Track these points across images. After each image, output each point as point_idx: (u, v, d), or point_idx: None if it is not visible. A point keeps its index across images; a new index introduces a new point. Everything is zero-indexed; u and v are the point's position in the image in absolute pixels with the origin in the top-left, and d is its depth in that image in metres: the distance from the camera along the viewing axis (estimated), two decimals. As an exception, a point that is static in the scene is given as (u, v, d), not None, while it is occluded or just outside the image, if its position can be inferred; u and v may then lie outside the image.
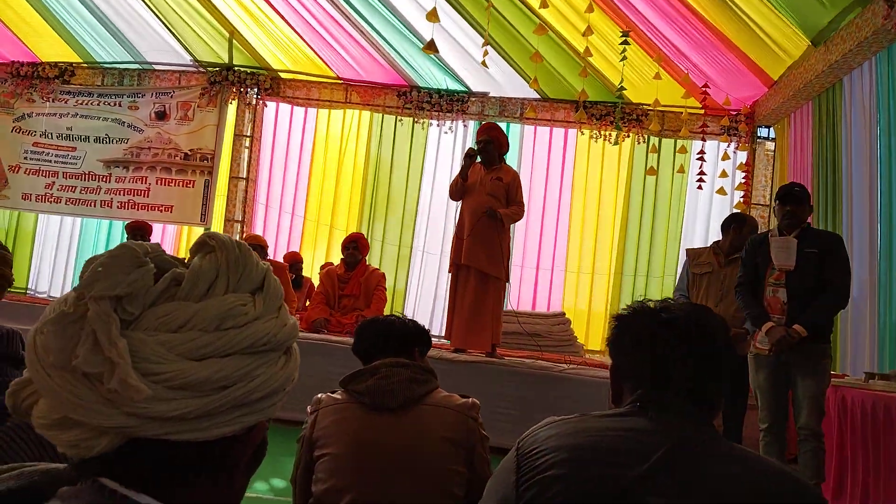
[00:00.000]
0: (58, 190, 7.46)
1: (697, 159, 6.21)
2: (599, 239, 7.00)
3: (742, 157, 6.57)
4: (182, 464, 0.65)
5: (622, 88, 5.70)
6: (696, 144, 6.42)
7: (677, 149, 6.59)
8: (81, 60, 7.55)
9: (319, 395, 2.01)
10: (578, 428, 1.12)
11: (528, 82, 5.95)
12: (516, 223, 5.56)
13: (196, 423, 0.63)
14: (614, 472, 1.02)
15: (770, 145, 6.56)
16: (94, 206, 7.41)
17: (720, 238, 4.62)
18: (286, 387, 0.70)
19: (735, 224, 4.53)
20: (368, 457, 1.80)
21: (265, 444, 0.73)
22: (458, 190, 5.04)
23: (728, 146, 6.53)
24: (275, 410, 0.70)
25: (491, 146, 4.99)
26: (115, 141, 7.44)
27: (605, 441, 1.08)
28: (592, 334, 6.95)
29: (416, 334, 2.14)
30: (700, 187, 6.17)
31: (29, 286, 7.77)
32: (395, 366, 1.94)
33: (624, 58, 5.42)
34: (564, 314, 6.40)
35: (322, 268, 6.52)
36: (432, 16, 4.82)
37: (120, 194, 7.37)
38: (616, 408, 1.22)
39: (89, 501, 0.62)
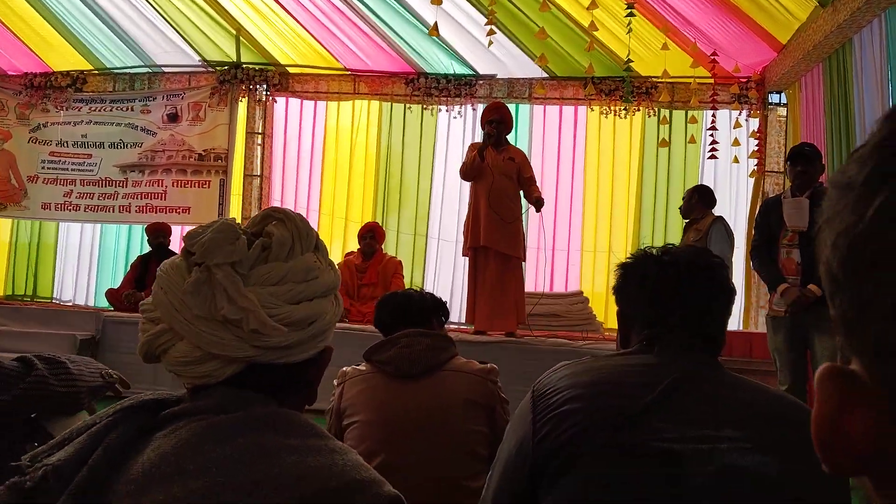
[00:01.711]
0: (76, 197, 7.57)
1: (709, 129, 6.18)
2: (615, 216, 6.98)
3: (754, 124, 6.53)
4: (280, 381, 0.88)
5: (630, 61, 5.68)
6: (708, 114, 6.40)
7: (688, 119, 6.56)
8: (93, 68, 7.64)
9: (345, 369, 2.06)
10: (590, 367, 1.17)
11: (534, 61, 5.95)
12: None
13: (294, 350, 0.86)
14: (623, 403, 1.06)
15: (782, 111, 6.51)
16: (113, 211, 7.51)
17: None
18: (337, 320, 0.94)
19: None
20: (395, 421, 1.85)
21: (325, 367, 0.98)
22: (475, 169, 5.03)
23: (739, 114, 6.49)
24: (331, 339, 0.93)
25: (502, 126, 5.02)
26: (129, 146, 7.54)
27: (615, 376, 1.13)
28: (611, 314, 6.91)
29: (433, 306, 2.19)
30: (713, 156, 6.15)
31: (54, 295, 7.91)
32: (416, 335, 1.98)
33: (630, 30, 5.41)
34: (582, 293, 6.41)
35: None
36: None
37: (137, 198, 7.46)
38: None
39: (218, 397, 0.83)
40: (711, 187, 5.51)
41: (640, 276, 1.27)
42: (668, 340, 1.19)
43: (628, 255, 1.33)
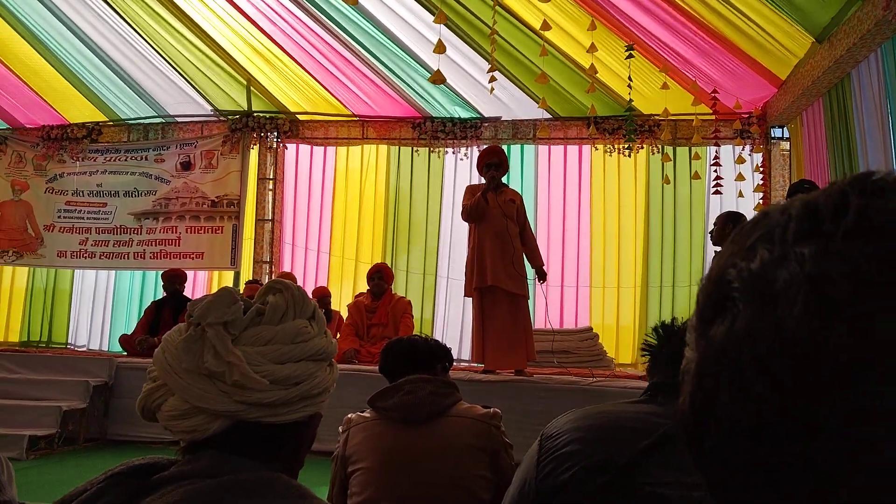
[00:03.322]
0: (91, 245, 7.71)
1: (712, 165, 6.25)
2: (622, 252, 7.03)
3: (758, 158, 6.59)
4: (267, 443, 0.91)
5: (630, 102, 5.79)
6: (711, 150, 6.47)
7: (692, 156, 6.63)
8: (108, 119, 7.85)
9: (350, 415, 2.10)
10: (594, 412, 1.22)
11: (537, 103, 6.07)
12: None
13: (279, 409, 0.90)
14: (620, 447, 1.11)
15: (785, 145, 6.57)
16: (128, 258, 7.64)
17: None
18: (330, 389, 0.97)
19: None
20: (399, 468, 1.88)
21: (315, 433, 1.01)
22: (480, 212, 5.10)
23: (743, 149, 6.55)
24: (324, 406, 0.97)
25: (502, 168, 5.13)
26: (143, 194, 7.69)
27: (616, 422, 1.18)
28: (622, 348, 6.95)
29: (438, 352, 2.23)
30: (717, 192, 6.20)
31: (69, 341, 8.00)
32: (419, 381, 2.02)
33: (630, 79, 5.54)
34: (592, 329, 6.42)
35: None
36: (439, 48, 4.97)
37: (152, 245, 7.59)
38: None
39: (206, 461, 0.87)
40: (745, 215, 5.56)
41: (665, 343, 1.35)
42: (673, 390, 1.24)
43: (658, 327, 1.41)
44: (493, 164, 5.11)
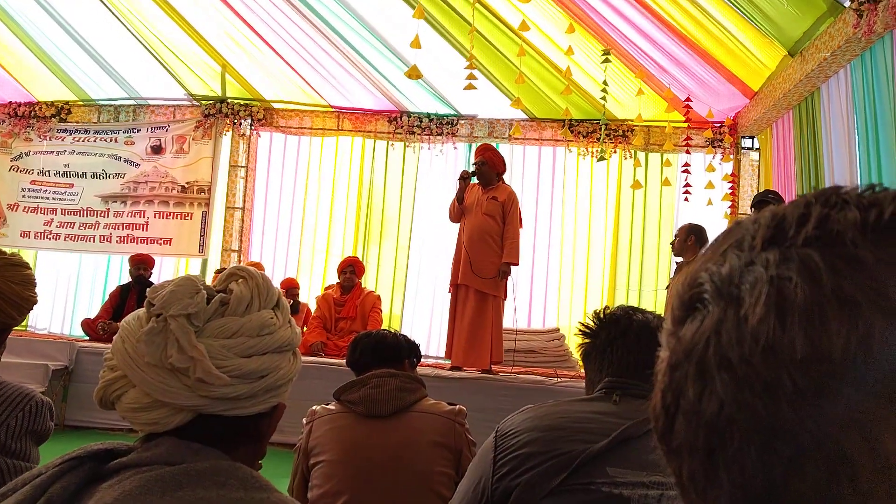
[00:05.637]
0: (56, 226, 7.56)
1: (682, 172, 6.33)
2: (591, 254, 7.09)
3: (728, 167, 6.69)
4: (229, 433, 0.90)
5: (604, 116, 5.84)
6: (682, 157, 6.55)
7: (663, 162, 6.71)
8: (77, 98, 7.69)
9: (314, 407, 2.09)
10: (551, 411, 1.23)
11: (511, 103, 6.09)
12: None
13: (243, 402, 0.89)
14: (578, 448, 1.12)
15: (755, 155, 6.68)
16: (94, 241, 7.50)
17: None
18: (293, 378, 0.96)
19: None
20: (362, 461, 1.88)
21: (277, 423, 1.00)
22: (456, 213, 5.16)
23: (713, 158, 6.65)
24: (287, 395, 0.96)
25: (486, 167, 5.12)
26: (112, 176, 7.56)
27: (573, 422, 1.19)
28: (589, 350, 7.00)
29: (406, 347, 2.23)
30: (686, 199, 6.28)
31: (29, 323, 7.82)
32: (385, 376, 2.02)
33: (605, 83, 5.58)
34: (559, 330, 6.47)
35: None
36: (415, 43, 4.96)
37: (119, 229, 7.46)
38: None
39: (166, 448, 0.86)
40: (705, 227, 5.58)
41: (606, 333, 1.35)
42: (627, 389, 1.26)
43: (600, 312, 1.41)
44: (475, 162, 5.15)
